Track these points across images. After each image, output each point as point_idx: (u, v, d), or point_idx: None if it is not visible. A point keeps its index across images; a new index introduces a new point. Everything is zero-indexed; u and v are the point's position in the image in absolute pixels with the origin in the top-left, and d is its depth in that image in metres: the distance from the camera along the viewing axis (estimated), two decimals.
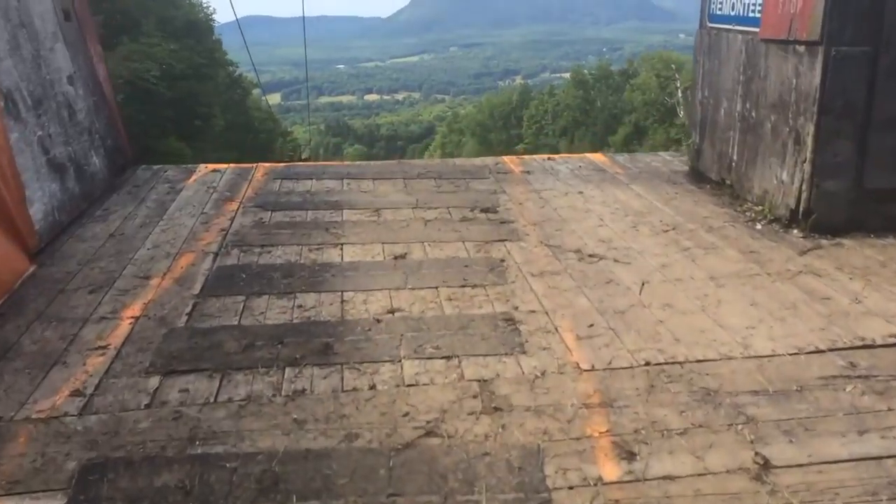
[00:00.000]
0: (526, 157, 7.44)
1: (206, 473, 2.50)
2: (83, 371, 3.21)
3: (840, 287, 4.04)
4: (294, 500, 2.39)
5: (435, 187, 6.22)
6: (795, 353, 3.30)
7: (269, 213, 5.54)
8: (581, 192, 5.98)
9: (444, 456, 2.59)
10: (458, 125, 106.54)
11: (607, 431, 2.72)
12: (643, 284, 4.11)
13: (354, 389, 3.04)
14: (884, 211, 4.80)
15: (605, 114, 64.58)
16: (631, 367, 3.19)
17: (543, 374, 3.14)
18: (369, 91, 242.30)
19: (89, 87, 6.17)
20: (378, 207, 5.63)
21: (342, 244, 4.84)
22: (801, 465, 2.51)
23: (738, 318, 3.68)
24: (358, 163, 7.30)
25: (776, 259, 4.46)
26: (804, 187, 4.79)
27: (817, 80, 4.59)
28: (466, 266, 4.42)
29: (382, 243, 4.85)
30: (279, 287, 4.15)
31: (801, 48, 4.76)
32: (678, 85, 51.58)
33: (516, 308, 3.84)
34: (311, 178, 6.50)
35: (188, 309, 3.87)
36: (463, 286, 4.13)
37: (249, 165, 7.02)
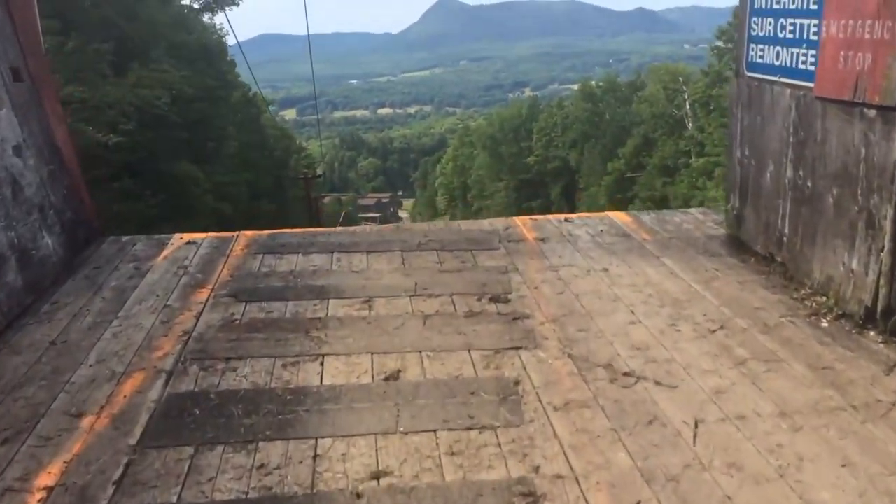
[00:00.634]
0: (540, 218, 6.47)
1: None
2: None
3: None
4: None
5: (437, 263, 5.27)
6: None
7: (244, 305, 4.61)
8: (605, 270, 5.01)
9: None
10: (469, 138, 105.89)
11: None
12: (696, 426, 3.15)
13: None
14: None
15: (613, 126, 63.65)
16: None
17: None
18: (382, 105, 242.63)
19: (44, 155, 5.29)
20: (370, 295, 4.70)
21: (323, 355, 3.91)
22: None
23: (829, 491, 2.72)
24: (352, 230, 6.33)
25: (858, 380, 3.48)
26: (882, 282, 3.82)
27: None
28: (473, 393, 3.47)
29: (372, 353, 3.92)
30: (238, 431, 3.22)
31: (872, 112, 3.80)
32: (686, 97, 50.58)
33: (537, 470, 2.89)
34: (297, 253, 5.58)
35: (118, 473, 2.95)
36: (469, 428, 3.18)
37: (230, 235, 6.11)
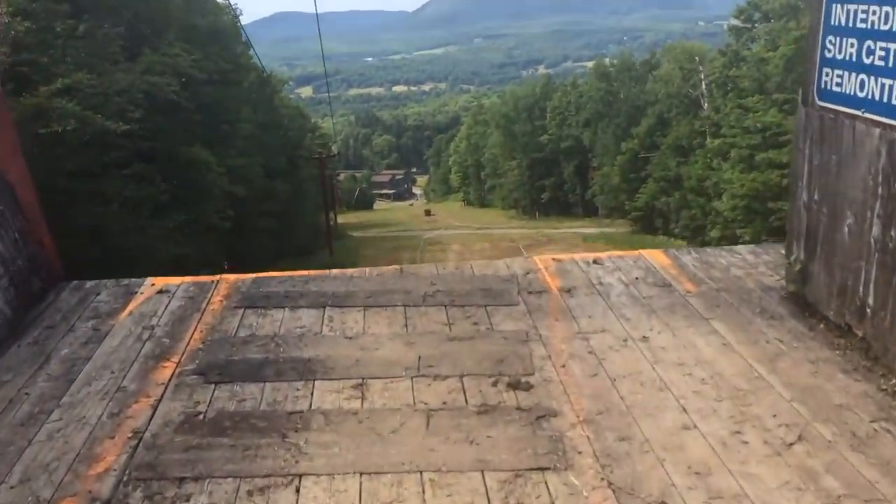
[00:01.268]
0: (564, 258, 5.51)
1: None
2: None
3: None
4: None
5: (445, 326, 4.37)
6: None
7: (212, 388, 3.76)
8: (645, 339, 4.10)
9: None
10: (482, 116, 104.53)
11: None
12: None
13: None
14: None
15: (627, 105, 62.26)
16: None
17: None
18: (397, 82, 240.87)
19: None
20: (364, 376, 3.82)
21: (300, 475, 3.06)
22: None
23: None
24: (350, 274, 5.36)
25: None
26: None
27: None
28: None
29: (360, 474, 3.06)
30: None
31: None
32: (702, 77, 49.07)
33: None
34: (284, 307, 4.69)
35: None
36: None
37: (210, 280, 5.24)
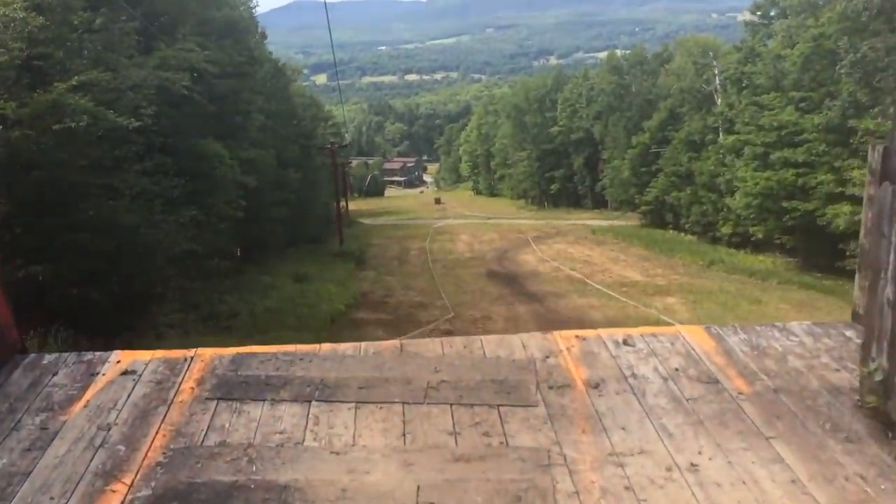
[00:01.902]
0: (590, 335, 4.66)
1: None
2: None
3: None
4: None
5: (450, 436, 3.56)
6: None
7: None
8: (694, 468, 3.29)
9: None
10: (493, 106, 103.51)
11: None
12: None
13: None
14: None
15: (639, 99, 61.20)
16: None
17: None
18: (409, 71, 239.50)
19: None
20: None
21: None
22: None
23: None
24: (343, 351, 4.52)
25: None
26: None
27: None
28: None
29: None
30: None
31: None
32: (716, 72, 47.87)
33: None
34: (264, 399, 3.92)
35: None
36: None
37: (183, 356, 4.45)
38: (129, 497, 3.19)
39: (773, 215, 35.31)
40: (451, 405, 3.86)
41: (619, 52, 75.82)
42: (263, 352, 4.54)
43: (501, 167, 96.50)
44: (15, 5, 13.70)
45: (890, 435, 3.46)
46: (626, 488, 3.18)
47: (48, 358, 4.48)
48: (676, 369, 4.19)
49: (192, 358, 4.42)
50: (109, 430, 3.69)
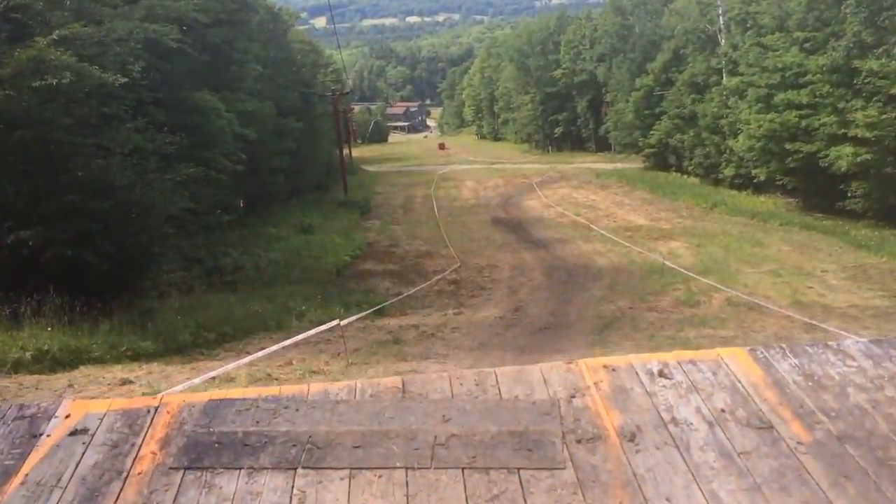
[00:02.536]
0: (619, 364, 3.94)
1: None
2: None
3: None
4: None
5: None
6: None
7: None
8: None
9: None
10: (496, 50, 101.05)
11: None
12: None
13: None
14: None
15: (643, 40, 59.42)
16: None
17: None
18: (410, 13, 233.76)
19: None
20: None
21: None
22: None
23: None
24: (335, 394, 3.75)
25: None
26: None
27: None
28: None
29: None
30: None
31: None
32: (719, 12, 46.18)
33: None
34: (240, 468, 3.26)
35: None
36: None
37: (144, 406, 3.72)
38: None
39: (775, 157, 34.44)
40: (463, 469, 3.21)
41: None
42: (242, 397, 3.81)
43: (505, 111, 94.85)
44: None
45: None
46: None
47: None
48: (722, 410, 3.54)
49: (156, 409, 3.68)
50: None
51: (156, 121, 18.03)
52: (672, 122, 49.39)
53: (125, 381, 9.44)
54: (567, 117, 76.70)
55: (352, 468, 3.25)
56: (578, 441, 3.37)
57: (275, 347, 9.98)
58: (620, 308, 16.54)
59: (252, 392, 3.87)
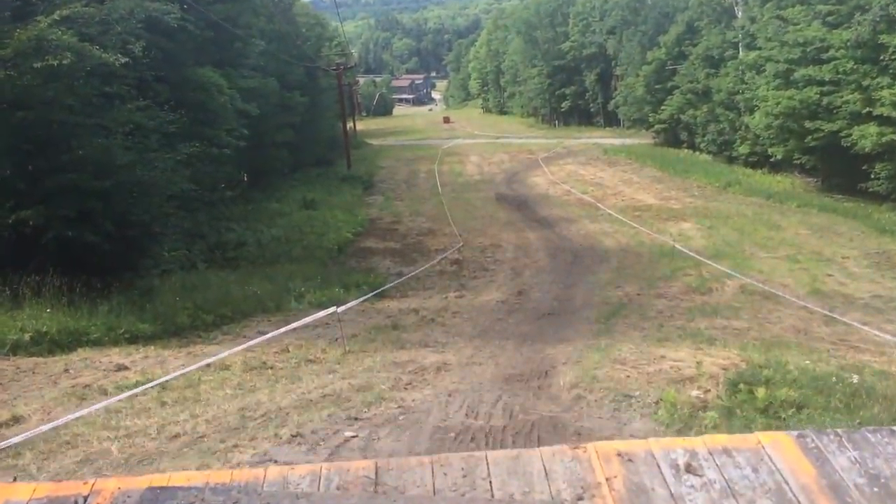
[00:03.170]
0: (637, 448, 3.37)
1: None
2: None
3: None
4: None
5: None
6: None
7: None
8: None
9: None
10: (503, 22, 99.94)
11: None
12: None
13: None
14: None
15: (655, 12, 58.73)
16: None
17: None
18: None
19: None
20: None
21: None
22: None
23: None
24: (295, 481, 3.31)
25: None
26: None
27: None
28: None
29: None
30: None
31: None
32: None
33: None
34: None
35: None
36: None
37: (72, 495, 3.20)
38: None
39: (794, 136, 33.82)
40: None
41: None
42: (187, 485, 3.25)
43: (511, 84, 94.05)
44: None
45: None
46: None
47: None
48: None
49: (85, 499, 3.15)
50: None
51: (158, 99, 18.02)
52: (684, 98, 48.81)
53: (121, 367, 9.49)
54: (575, 91, 76.03)
55: None
56: None
57: (270, 335, 10.01)
58: (628, 294, 16.20)
59: (199, 478, 3.38)
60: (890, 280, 17.42)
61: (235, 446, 6.05)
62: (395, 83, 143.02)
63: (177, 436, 6.52)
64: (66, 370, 9.51)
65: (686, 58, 49.69)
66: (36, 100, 12.65)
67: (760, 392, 6.24)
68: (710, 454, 3.28)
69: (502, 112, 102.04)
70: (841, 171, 31.99)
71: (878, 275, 18.03)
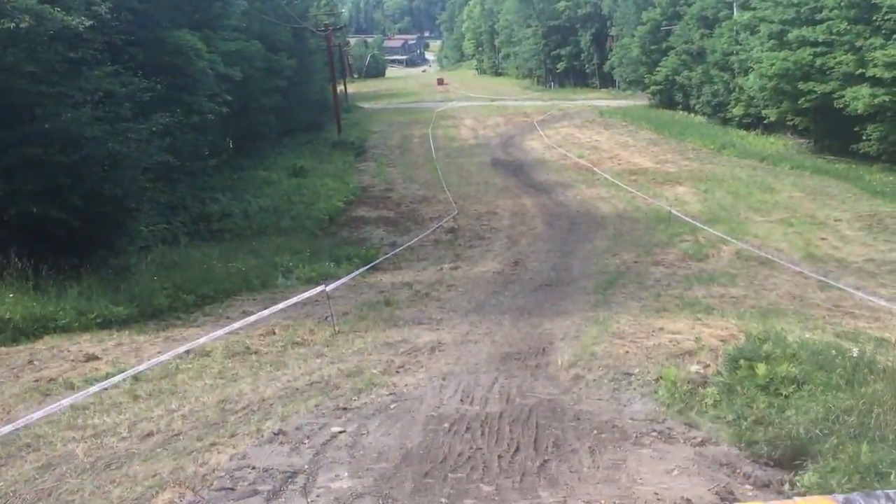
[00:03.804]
0: None
1: None
2: None
3: None
4: None
5: None
6: None
7: None
8: None
9: None
10: None
11: None
12: None
13: None
14: None
15: None
16: None
17: None
18: None
19: None
20: None
21: None
22: None
23: None
24: None
25: None
26: None
27: None
28: None
29: None
30: None
31: None
32: None
33: None
34: None
35: None
36: None
37: None
38: None
39: (787, 97, 33.33)
40: None
41: None
42: None
43: (506, 45, 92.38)
44: None
45: None
46: None
47: None
48: None
49: None
50: None
51: (130, 64, 17.03)
52: (679, 59, 47.85)
53: (91, 357, 8.87)
54: (570, 52, 74.65)
55: None
56: None
57: (255, 317, 9.37)
58: (625, 262, 15.96)
59: None
60: (882, 243, 17.34)
61: (213, 445, 5.72)
62: (388, 44, 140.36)
63: (150, 434, 6.17)
64: (31, 361, 8.99)
65: (681, 18, 48.60)
66: None
67: (761, 369, 6.23)
68: None
69: (497, 73, 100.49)
70: (833, 133, 31.71)
71: (871, 237, 17.98)
